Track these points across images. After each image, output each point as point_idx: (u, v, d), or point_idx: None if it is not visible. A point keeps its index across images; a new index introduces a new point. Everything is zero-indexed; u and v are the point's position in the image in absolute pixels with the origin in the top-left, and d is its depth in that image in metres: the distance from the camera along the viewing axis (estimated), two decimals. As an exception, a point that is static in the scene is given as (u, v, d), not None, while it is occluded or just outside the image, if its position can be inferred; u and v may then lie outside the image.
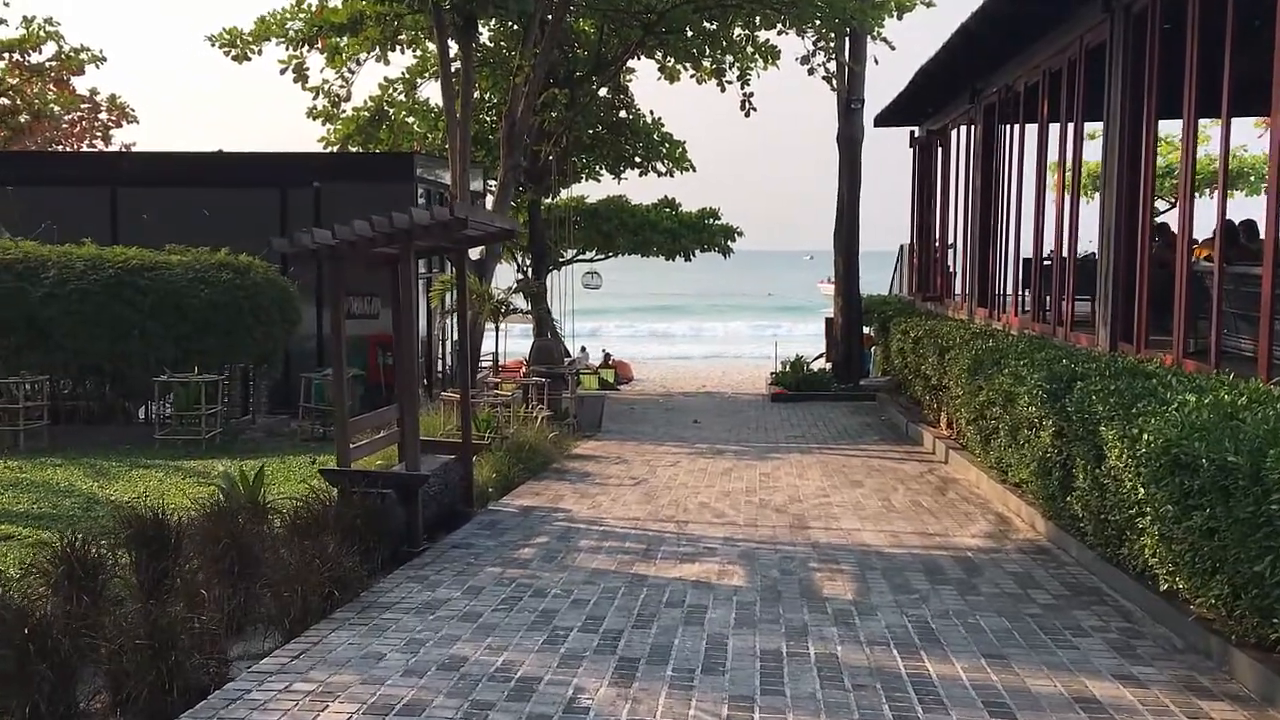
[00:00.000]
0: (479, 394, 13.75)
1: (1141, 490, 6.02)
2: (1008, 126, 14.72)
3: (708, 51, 23.04)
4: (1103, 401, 6.75)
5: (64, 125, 29.38)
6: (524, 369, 18.36)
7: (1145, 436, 5.86)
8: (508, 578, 7.37)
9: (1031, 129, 13.68)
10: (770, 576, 7.48)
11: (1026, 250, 14.39)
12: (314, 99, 22.21)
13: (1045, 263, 12.96)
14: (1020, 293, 14.19)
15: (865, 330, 22.62)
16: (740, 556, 8.09)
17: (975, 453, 11.57)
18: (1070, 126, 11.86)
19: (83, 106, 29.17)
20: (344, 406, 8.17)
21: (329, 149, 23.36)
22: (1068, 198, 11.85)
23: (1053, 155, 13.49)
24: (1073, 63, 11.49)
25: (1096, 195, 12.58)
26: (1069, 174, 11.83)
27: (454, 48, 18.16)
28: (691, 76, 24.24)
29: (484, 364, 20.91)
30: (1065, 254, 11.80)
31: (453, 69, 17.88)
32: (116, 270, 14.45)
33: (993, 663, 5.63)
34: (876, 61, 20.63)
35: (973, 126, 16.63)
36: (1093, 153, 12.36)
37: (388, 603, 6.71)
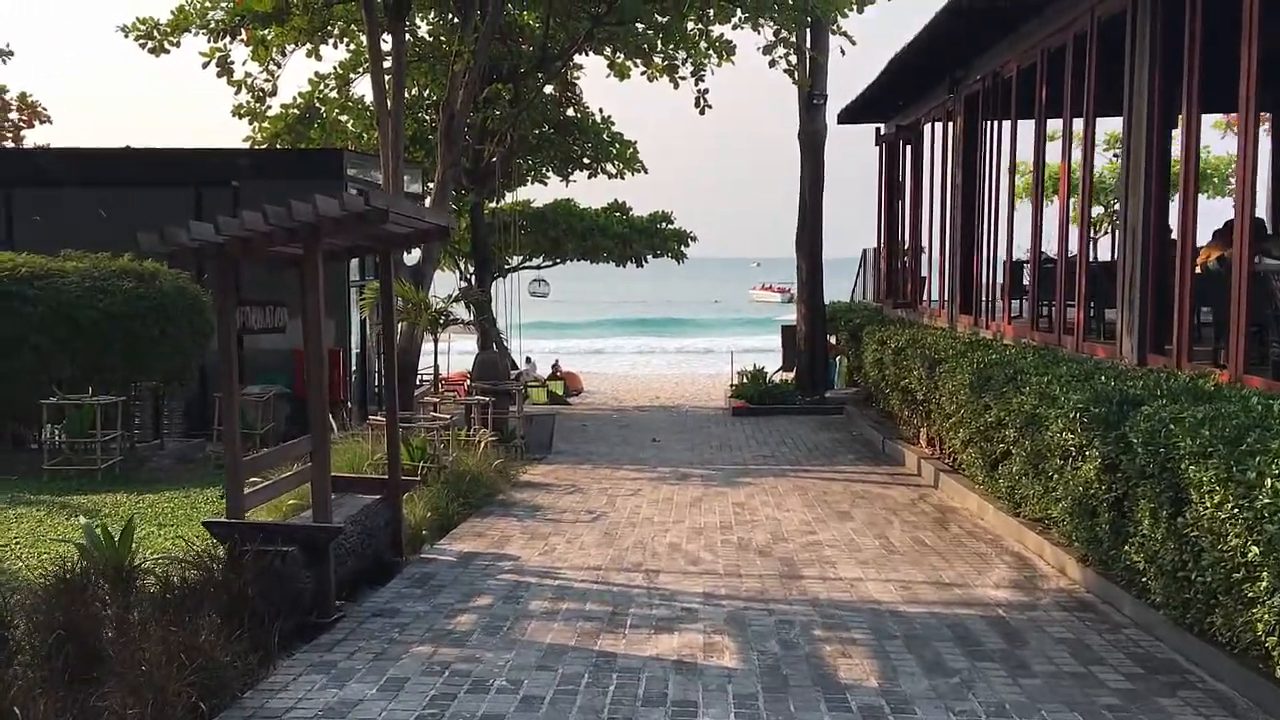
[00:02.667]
0: (414, 417, 12.20)
1: (1256, 550, 4.68)
2: (994, 120, 13.45)
3: (659, 46, 21.57)
4: (1190, 434, 5.40)
5: (-32, 126, 27.25)
6: (467, 383, 16.83)
7: (1270, 483, 4.51)
8: (439, 662, 5.82)
9: (1024, 122, 12.46)
10: (769, 652, 6.02)
11: (1012, 253, 13.19)
12: (236, 93, 20.41)
13: (1045, 265, 11.71)
14: (1011, 299, 12.91)
15: (829, 339, 21.38)
16: (728, 621, 6.63)
17: (977, 479, 10.24)
18: (1078, 121, 10.58)
19: (-12, 105, 27.08)
20: (235, 440, 6.59)
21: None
22: (1074, 198, 10.61)
23: (1042, 149, 12.29)
24: (1080, 38, 10.22)
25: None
26: (1077, 170, 10.57)
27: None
28: (642, 73, 22.69)
29: (424, 379, 19.32)
30: (1068, 257, 10.57)
31: (384, 54, 16.26)
32: (1, 279, 12.77)
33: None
34: (843, 53, 19.38)
35: (950, 121, 15.38)
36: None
37: (278, 709, 5.12)
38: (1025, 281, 12.94)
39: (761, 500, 10.98)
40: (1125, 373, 7.84)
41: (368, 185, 16.97)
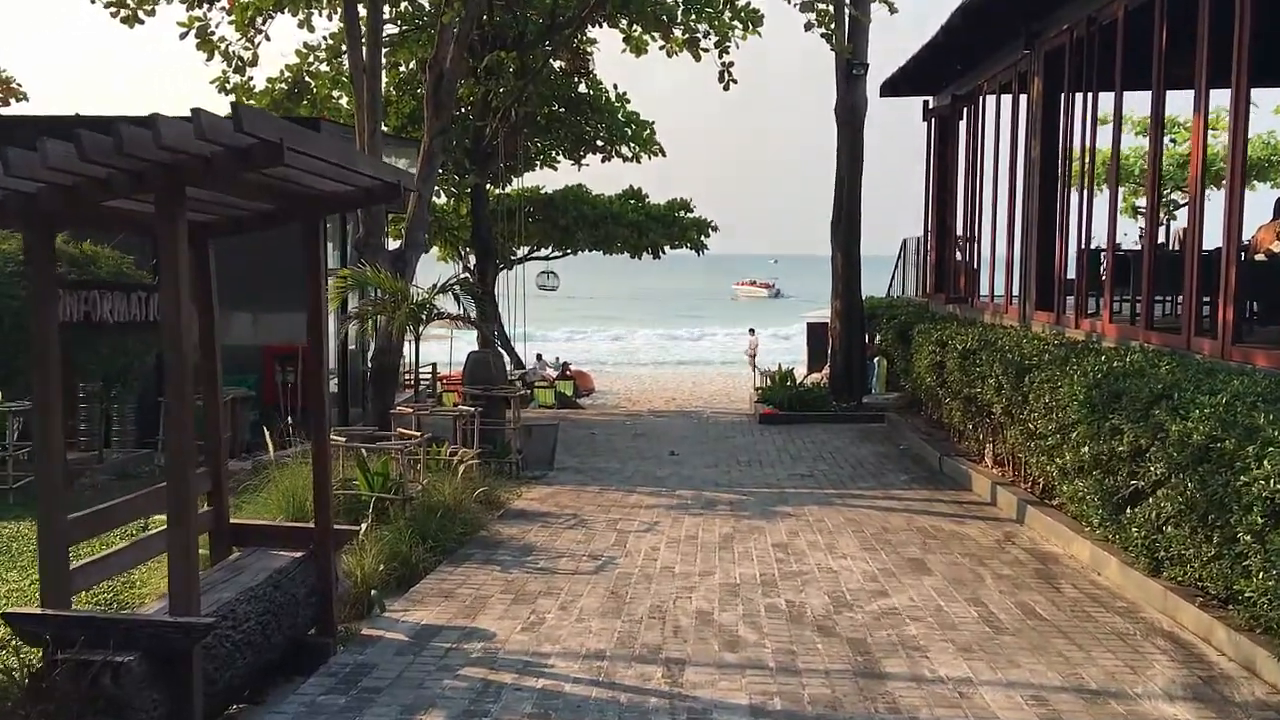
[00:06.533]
0: (375, 434, 10.04)
1: None
2: (1088, 80, 11.18)
3: (679, 17, 19.31)
4: None
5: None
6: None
7: None
8: None
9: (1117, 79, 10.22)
10: (866, 842, 3.83)
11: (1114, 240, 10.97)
12: (209, 60, 18.21)
13: (1161, 254, 9.48)
14: (1113, 292, 10.67)
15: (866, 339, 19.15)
16: (792, 769, 4.43)
17: (1090, 520, 8.00)
18: (1219, 92, 8.33)
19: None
20: (55, 485, 4.40)
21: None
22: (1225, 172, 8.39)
23: (1159, 113, 10.03)
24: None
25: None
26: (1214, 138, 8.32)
27: None
28: (661, 48, 20.37)
29: (423, 379, 17.24)
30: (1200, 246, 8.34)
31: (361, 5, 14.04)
32: (-97, 265, 10.83)
33: None
34: (892, 11, 17.11)
35: (1025, 85, 13.11)
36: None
37: None
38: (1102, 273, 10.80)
39: (808, 540, 8.78)
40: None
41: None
